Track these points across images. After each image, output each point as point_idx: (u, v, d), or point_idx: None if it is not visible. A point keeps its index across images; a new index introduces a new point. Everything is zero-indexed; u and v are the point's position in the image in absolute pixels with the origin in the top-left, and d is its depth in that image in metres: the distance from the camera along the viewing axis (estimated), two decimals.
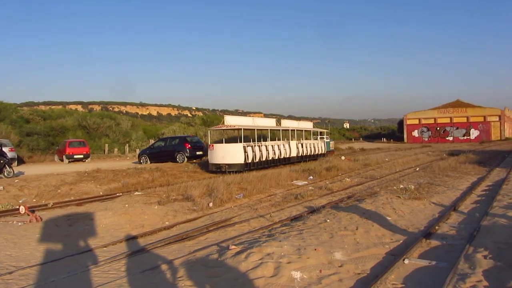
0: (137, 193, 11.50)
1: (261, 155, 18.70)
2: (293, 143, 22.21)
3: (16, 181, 13.80)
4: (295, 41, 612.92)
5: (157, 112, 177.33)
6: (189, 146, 21.92)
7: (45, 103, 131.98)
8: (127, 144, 33.97)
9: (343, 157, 22.41)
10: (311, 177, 15.11)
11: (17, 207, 9.59)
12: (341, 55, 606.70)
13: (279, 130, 23.93)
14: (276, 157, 20.18)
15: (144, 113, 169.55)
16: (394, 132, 79.41)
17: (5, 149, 16.91)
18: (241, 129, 19.23)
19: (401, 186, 10.74)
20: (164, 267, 5.23)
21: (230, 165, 17.27)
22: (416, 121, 66.66)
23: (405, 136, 67.10)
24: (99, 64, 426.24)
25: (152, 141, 30.19)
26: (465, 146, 43.89)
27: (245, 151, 17.61)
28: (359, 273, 4.71)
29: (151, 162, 21.92)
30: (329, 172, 16.51)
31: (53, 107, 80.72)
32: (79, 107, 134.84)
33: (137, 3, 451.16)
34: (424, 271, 4.76)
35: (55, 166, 21.50)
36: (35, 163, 24.34)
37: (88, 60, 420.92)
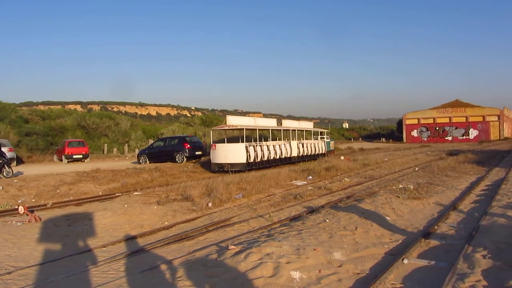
0: (136, 193, 11.49)
1: (263, 155, 18.84)
2: (294, 143, 22.30)
3: (15, 181, 13.79)
4: (295, 41, 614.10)
5: (156, 112, 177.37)
6: (188, 146, 21.92)
7: (44, 103, 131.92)
8: (126, 144, 33.93)
9: (342, 157, 22.42)
10: (310, 177, 15.11)
11: (16, 207, 9.57)
12: (341, 55, 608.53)
13: (280, 130, 23.98)
14: (277, 157, 20.31)
15: (143, 113, 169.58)
16: (393, 132, 79.49)
17: (4, 149, 16.88)
18: (243, 129, 19.34)
19: (400, 186, 10.74)
20: (163, 267, 5.23)
21: (232, 165, 17.44)
22: (415, 121, 66.72)
23: (404, 136, 67.16)
24: (99, 64, 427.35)
25: (151, 141, 30.15)
26: (464, 146, 43.93)
27: (247, 151, 17.74)
28: (358, 273, 4.71)
29: (150, 162, 21.91)
30: (328, 172, 16.52)
31: (52, 107, 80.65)
32: (78, 107, 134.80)
33: (137, 3, 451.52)
34: (423, 271, 4.77)
35: (54, 166, 21.47)
36: (34, 163, 24.30)
37: (88, 60, 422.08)
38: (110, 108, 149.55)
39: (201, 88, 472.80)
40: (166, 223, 8.59)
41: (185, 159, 21.46)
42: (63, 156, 23.93)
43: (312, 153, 24.15)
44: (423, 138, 64.83)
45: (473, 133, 62.91)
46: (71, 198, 12.25)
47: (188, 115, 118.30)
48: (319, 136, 29.12)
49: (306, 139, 25.15)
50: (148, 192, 11.52)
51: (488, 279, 4.26)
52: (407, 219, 7.42)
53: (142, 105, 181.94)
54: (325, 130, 31.10)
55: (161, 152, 22.25)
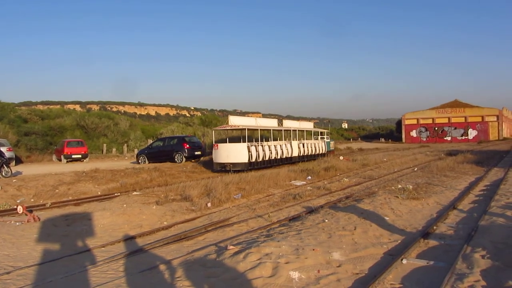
0: (135, 193, 11.48)
1: (264, 155, 19.00)
2: (294, 143, 22.43)
3: (14, 181, 13.77)
4: (295, 41, 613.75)
5: (156, 112, 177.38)
6: (188, 146, 21.92)
7: (43, 103, 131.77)
8: (126, 144, 33.88)
9: (341, 157, 22.44)
10: (310, 177, 15.12)
11: (15, 207, 9.56)
12: (341, 55, 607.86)
13: (281, 130, 24.07)
14: (278, 157, 20.45)
15: (143, 113, 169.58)
16: (393, 132, 79.56)
17: (3, 149, 16.91)
18: (245, 129, 19.41)
19: (399, 186, 10.74)
20: (162, 267, 5.23)
21: (234, 164, 17.58)
22: (414, 121, 66.79)
23: (403, 136, 67.21)
24: (98, 63, 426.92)
25: (150, 141, 30.14)
26: (463, 146, 43.96)
27: (249, 151, 17.87)
28: (357, 273, 4.71)
29: (149, 162, 21.89)
30: (328, 172, 16.53)
31: (51, 106, 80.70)
32: (77, 107, 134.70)
33: (137, 3, 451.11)
34: (422, 271, 4.77)
35: (53, 166, 21.45)
36: (33, 163, 24.27)
37: (87, 60, 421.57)
38: (109, 108, 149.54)
39: (201, 88, 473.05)
40: (165, 223, 8.59)
41: (184, 159, 21.45)
42: (62, 156, 23.91)
43: (313, 153, 24.25)
44: (422, 138, 64.88)
45: (472, 133, 63.00)
46: (70, 198, 12.24)
47: (187, 115, 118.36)
48: (319, 136, 29.19)
49: (306, 139, 25.24)
50: (147, 192, 11.52)
51: (487, 279, 4.26)
52: (406, 219, 7.43)
53: (141, 105, 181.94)
54: (325, 130, 31.18)
55: (160, 152, 22.24)
